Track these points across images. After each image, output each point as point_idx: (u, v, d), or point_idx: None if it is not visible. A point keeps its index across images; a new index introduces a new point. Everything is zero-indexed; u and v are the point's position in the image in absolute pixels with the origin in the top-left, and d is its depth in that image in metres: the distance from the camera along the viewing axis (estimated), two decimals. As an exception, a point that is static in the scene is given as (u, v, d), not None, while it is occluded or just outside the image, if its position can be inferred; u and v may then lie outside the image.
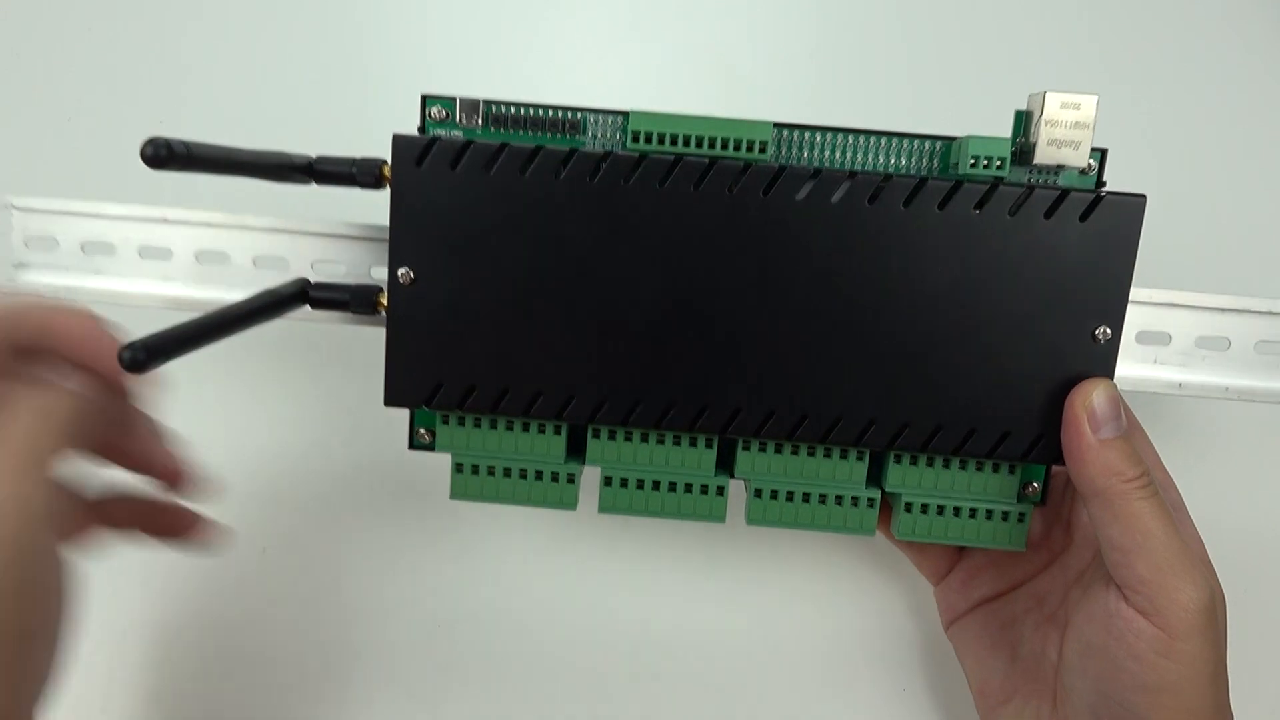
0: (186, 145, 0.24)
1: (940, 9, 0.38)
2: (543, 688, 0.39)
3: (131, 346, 0.23)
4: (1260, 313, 0.32)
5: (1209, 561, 0.29)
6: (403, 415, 0.32)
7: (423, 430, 0.32)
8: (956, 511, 0.30)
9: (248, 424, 0.39)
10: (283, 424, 0.39)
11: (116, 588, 0.37)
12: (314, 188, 0.29)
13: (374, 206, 0.30)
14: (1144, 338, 0.32)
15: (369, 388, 0.39)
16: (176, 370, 0.38)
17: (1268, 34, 0.37)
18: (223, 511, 0.38)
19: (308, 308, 0.30)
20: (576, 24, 0.38)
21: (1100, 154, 0.30)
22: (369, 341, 0.37)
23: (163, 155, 0.23)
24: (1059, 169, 0.29)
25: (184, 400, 0.33)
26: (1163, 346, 0.32)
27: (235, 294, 0.32)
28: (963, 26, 0.38)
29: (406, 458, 0.32)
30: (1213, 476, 0.37)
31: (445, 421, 0.30)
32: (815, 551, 0.39)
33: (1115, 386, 0.28)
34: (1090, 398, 0.28)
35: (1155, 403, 0.32)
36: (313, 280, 0.30)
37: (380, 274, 0.32)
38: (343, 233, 0.32)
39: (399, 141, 0.28)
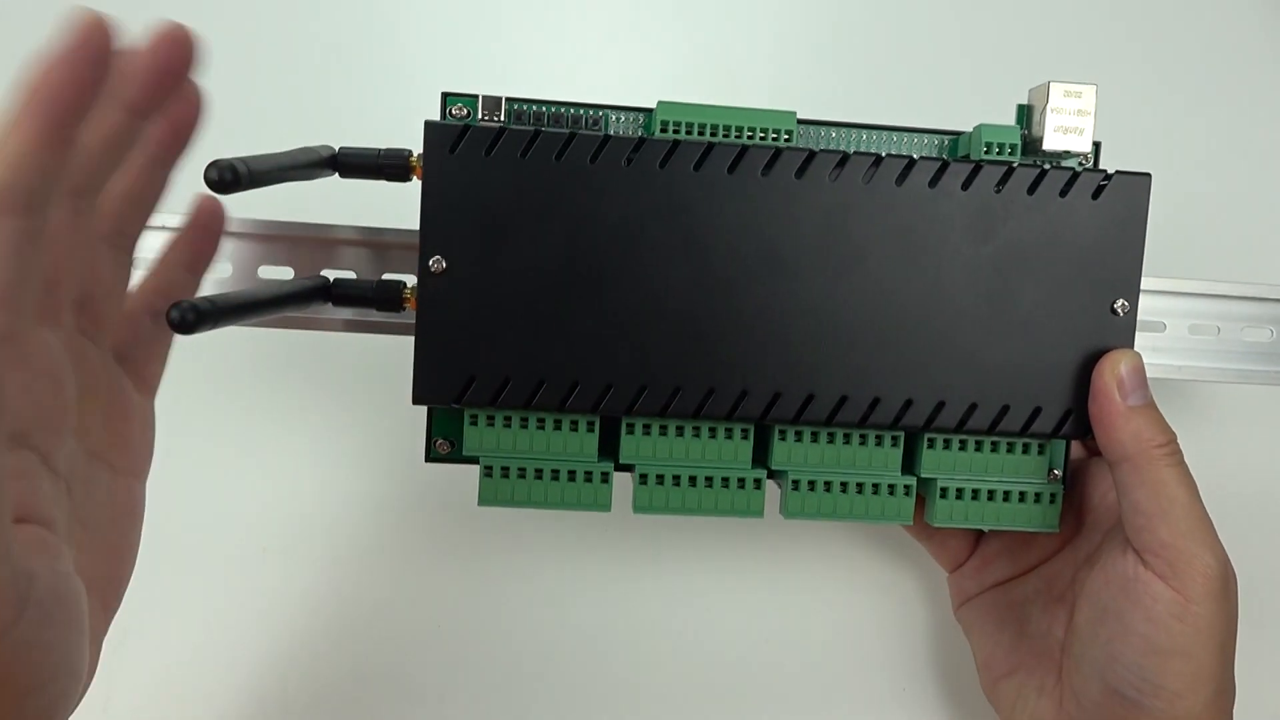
0: (247, 164, 0.23)
1: (934, 8, 0.40)
2: (552, 695, 0.38)
3: (179, 306, 0.22)
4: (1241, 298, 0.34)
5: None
6: (417, 428, 0.30)
7: (441, 440, 0.30)
8: (990, 495, 0.30)
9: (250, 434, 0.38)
10: (291, 438, 0.38)
11: None
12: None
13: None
14: (1141, 325, 0.33)
15: (377, 400, 0.38)
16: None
17: (1244, 18, 0.40)
18: (221, 515, 0.37)
19: (330, 306, 0.29)
20: (576, 23, 0.39)
21: (1095, 146, 0.31)
22: (378, 353, 0.36)
23: (228, 180, 0.22)
24: (1065, 154, 0.30)
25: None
26: (1159, 334, 0.34)
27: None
28: (957, 25, 0.40)
29: (420, 468, 0.30)
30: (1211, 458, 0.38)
31: (474, 423, 0.29)
32: (827, 547, 0.39)
33: (1140, 357, 0.29)
34: (1119, 366, 0.29)
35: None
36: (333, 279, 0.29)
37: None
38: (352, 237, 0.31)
39: (432, 128, 0.27)
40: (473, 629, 0.38)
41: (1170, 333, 0.34)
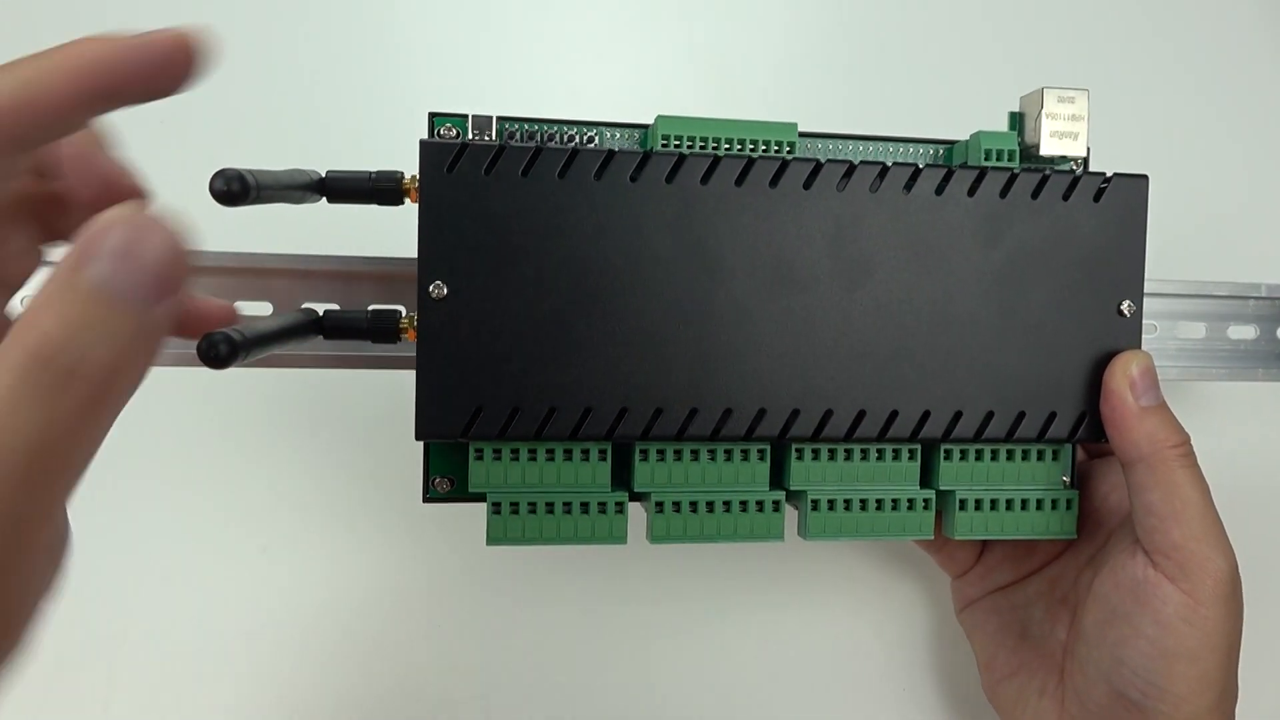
0: (254, 176, 0.21)
1: (921, 19, 0.40)
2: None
3: (210, 338, 0.20)
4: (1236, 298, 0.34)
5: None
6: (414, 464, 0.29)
7: (440, 479, 0.29)
8: (1009, 504, 0.30)
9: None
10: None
11: (114, 588, 0.35)
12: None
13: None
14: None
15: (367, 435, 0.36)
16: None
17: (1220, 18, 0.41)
18: (229, 515, 0.36)
19: (320, 340, 0.27)
20: (567, 40, 0.38)
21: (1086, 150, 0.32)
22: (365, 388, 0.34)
23: (235, 191, 0.20)
24: (1061, 159, 0.30)
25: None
26: (1149, 335, 0.34)
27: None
28: (949, 33, 0.40)
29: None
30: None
31: (479, 457, 0.27)
32: (829, 554, 0.39)
33: (1150, 357, 0.29)
34: (1130, 367, 0.29)
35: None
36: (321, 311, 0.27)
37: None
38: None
39: (428, 147, 0.26)
40: (471, 651, 0.37)
41: (1160, 334, 0.34)
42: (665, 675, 0.38)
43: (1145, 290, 0.33)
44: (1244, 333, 0.34)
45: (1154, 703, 0.28)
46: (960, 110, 0.33)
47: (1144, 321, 0.33)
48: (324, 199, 0.27)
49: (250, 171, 0.21)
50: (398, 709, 0.36)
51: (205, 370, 0.24)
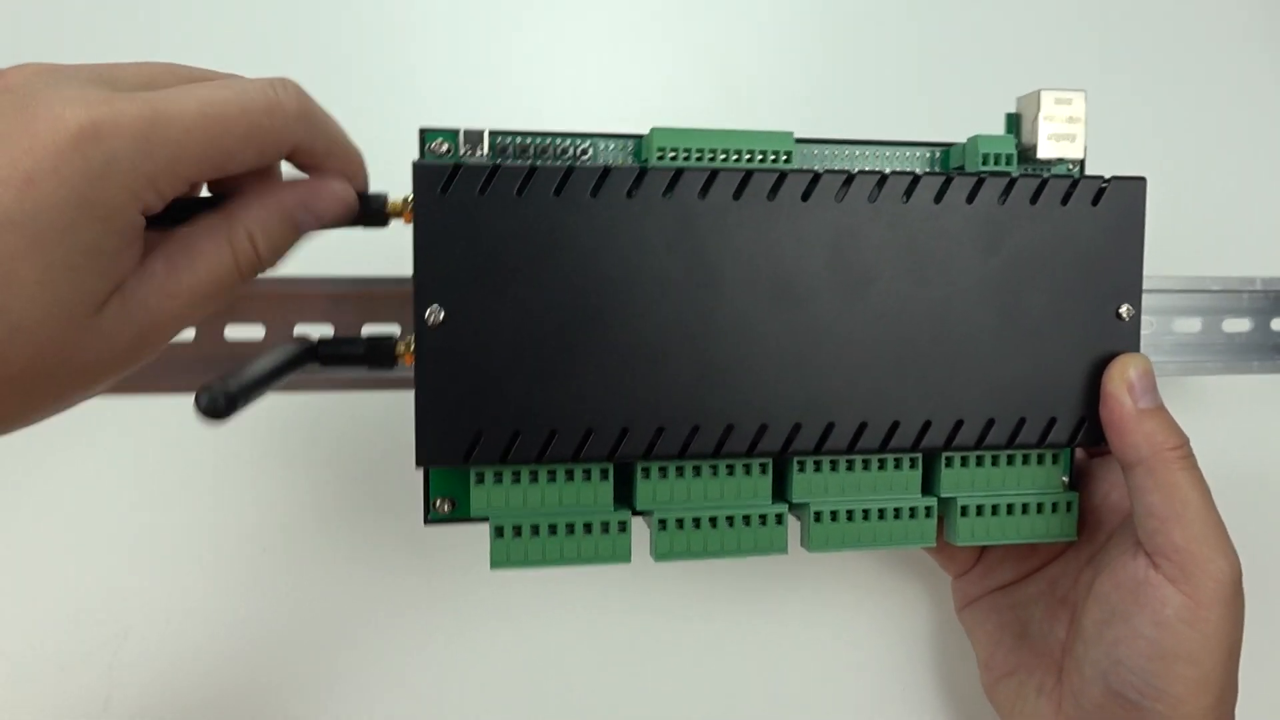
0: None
1: (922, 18, 0.40)
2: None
3: (210, 391, 0.19)
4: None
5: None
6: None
7: (440, 500, 0.28)
8: (1010, 509, 0.30)
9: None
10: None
11: (116, 587, 0.35)
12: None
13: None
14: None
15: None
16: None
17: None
18: (221, 514, 0.36)
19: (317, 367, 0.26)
20: (575, 34, 0.38)
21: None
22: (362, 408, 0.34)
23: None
24: (1059, 161, 0.30)
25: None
26: (1144, 330, 0.34)
27: None
28: (951, 35, 0.40)
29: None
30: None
31: (480, 481, 0.27)
32: (826, 562, 0.39)
33: (1148, 360, 0.29)
34: (1128, 370, 0.29)
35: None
36: (317, 337, 0.27)
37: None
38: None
39: (421, 169, 0.25)
40: (475, 666, 0.37)
41: (1155, 329, 0.34)
42: (664, 675, 0.38)
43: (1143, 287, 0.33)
44: (1239, 325, 0.35)
45: (1151, 703, 0.28)
46: (957, 112, 0.32)
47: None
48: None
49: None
50: (393, 678, 0.36)
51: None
